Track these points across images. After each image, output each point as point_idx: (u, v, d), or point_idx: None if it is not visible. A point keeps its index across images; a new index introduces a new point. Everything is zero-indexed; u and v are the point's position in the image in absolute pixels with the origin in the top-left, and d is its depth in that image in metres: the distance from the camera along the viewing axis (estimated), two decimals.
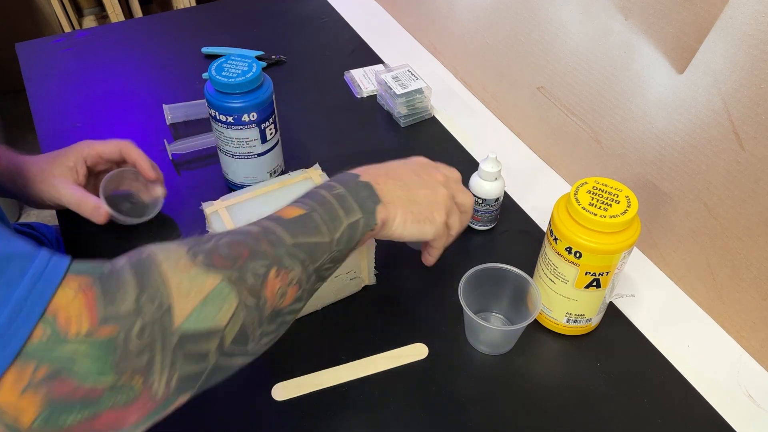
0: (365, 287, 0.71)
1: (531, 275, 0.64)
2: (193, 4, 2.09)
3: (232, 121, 0.74)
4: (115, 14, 2.03)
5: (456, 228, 0.59)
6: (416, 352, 0.64)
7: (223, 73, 0.72)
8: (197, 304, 0.39)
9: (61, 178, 0.72)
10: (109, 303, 0.36)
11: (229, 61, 0.74)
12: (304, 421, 0.59)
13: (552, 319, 0.65)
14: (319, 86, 1.03)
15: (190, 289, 0.39)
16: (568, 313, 0.63)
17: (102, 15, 2.14)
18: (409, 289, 0.71)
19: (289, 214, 0.48)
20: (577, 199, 0.57)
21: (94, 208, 0.71)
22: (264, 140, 0.77)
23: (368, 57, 1.10)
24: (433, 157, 0.88)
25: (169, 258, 0.40)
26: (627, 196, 0.57)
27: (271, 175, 0.82)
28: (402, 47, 1.14)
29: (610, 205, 0.56)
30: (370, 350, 0.64)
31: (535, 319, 0.66)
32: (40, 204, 0.75)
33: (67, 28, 2.03)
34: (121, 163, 0.77)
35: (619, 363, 0.64)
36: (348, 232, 0.49)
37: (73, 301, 0.36)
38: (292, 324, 0.68)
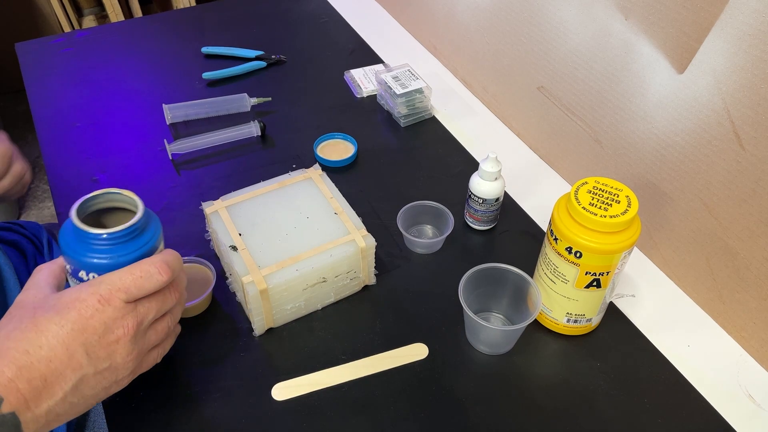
0: (365, 287, 0.71)
1: (531, 275, 0.64)
2: (193, 4, 2.09)
3: None
4: (115, 14, 2.03)
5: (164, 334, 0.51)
6: (416, 352, 0.64)
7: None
8: None
9: None
10: None
11: None
12: (304, 421, 0.59)
13: (552, 319, 0.65)
14: (319, 86, 1.03)
15: None
16: (568, 313, 0.63)
17: (102, 15, 2.14)
18: (409, 289, 0.71)
19: None
20: (577, 199, 0.57)
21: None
22: None
23: (368, 57, 1.10)
24: (434, 156, 0.90)
25: None
26: (627, 196, 0.57)
27: None
28: (402, 47, 1.14)
29: (611, 205, 0.56)
30: (370, 350, 0.64)
31: (535, 319, 0.66)
32: None
33: (67, 28, 2.03)
34: None
35: (619, 363, 0.64)
36: None
37: None
38: (293, 324, 0.68)
